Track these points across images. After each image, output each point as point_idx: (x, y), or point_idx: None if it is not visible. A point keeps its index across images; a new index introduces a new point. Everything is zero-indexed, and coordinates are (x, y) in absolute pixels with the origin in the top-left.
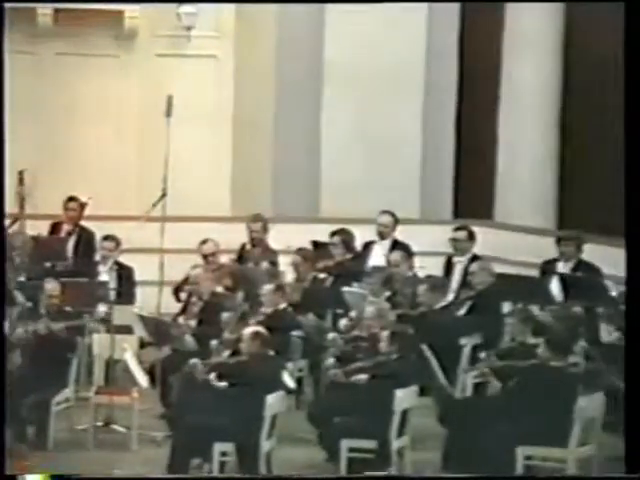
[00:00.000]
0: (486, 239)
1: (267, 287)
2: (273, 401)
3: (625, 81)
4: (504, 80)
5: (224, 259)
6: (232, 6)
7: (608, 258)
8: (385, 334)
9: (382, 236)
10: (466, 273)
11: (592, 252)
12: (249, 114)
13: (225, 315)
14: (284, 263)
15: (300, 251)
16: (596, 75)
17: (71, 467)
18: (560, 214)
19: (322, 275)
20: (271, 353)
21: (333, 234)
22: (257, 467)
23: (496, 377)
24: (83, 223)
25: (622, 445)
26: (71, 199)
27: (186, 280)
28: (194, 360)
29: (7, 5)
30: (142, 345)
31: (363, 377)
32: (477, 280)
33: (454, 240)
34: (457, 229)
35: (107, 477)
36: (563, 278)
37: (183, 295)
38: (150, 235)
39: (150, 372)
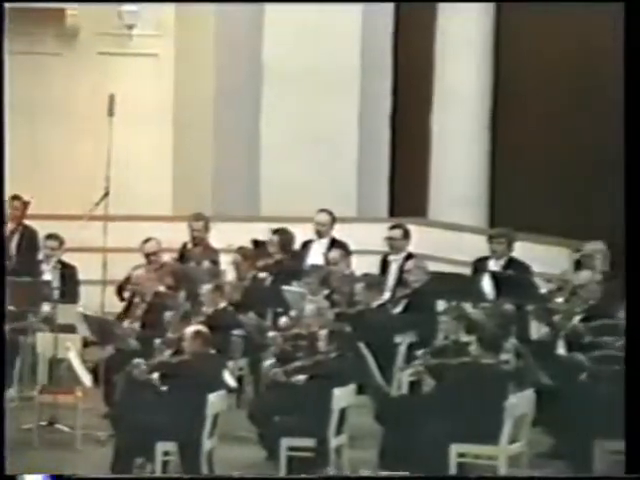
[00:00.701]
0: (421, 237)
1: (206, 287)
2: (215, 400)
3: (625, 81)
4: (437, 80)
5: (166, 258)
6: (172, 5)
7: (537, 256)
8: (324, 332)
9: (320, 234)
10: (401, 271)
11: (522, 250)
12: (190, 113)
13: (167, 314)
14: (225, 262)
15: (240, 250)
16: (526, 75)
17: (15, 467)
18: (491, 212)
19: (262, 274)
20: (213, 352)
21: (274, 232)
22: (199, 466)
23: (430, 375)
24: (26, 222)
25: (549, 441)
26: (14, 198)
27: (128, 279)
28: (137, 359)
29: None
30: (86, 344)
31: (302, 376)
32: (412, 278)
33: (390, 238)
34: (392, 227)
35: (107, 477)
36: (494, 276)
37: (126, 294)
38: (93, 234)
39: (94, 371)
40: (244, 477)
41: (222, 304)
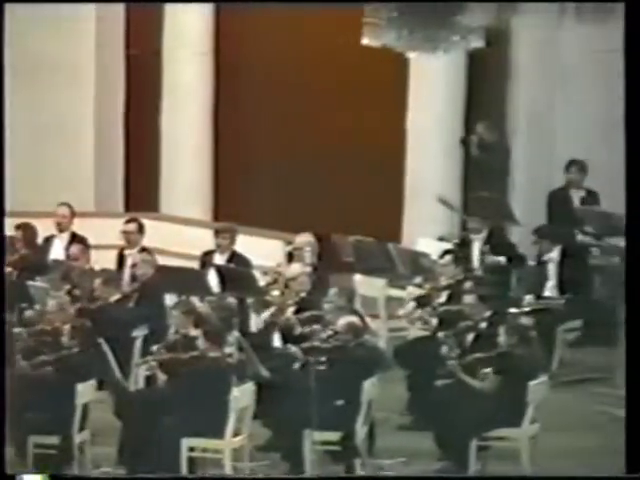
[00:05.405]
0: (154, 232)
1: None
2: None
3: (625, 81)
4: (165, 76)
5: None
6: None
7: (257, 249)
8: (67, 327)
9: (61, 229)
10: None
11: (242, 243)
12: None
13: None
14: None
15: None
16: (247, 72)
17: None
18: (216, 206)
19: (8, 269)
20: None
21: (17, 227)
22: None
23: (162, 369)
24: None
25: (266, 433)
26: None
27: None
28: None
29: None
30: None
31: (49, 371)
32: (140, 272)
33: (125, 232)
34: (127, 222)
35: (107, 477)
36: (219, 269)
37: None
38: None
39: None
40: (248, 478)
41: None
